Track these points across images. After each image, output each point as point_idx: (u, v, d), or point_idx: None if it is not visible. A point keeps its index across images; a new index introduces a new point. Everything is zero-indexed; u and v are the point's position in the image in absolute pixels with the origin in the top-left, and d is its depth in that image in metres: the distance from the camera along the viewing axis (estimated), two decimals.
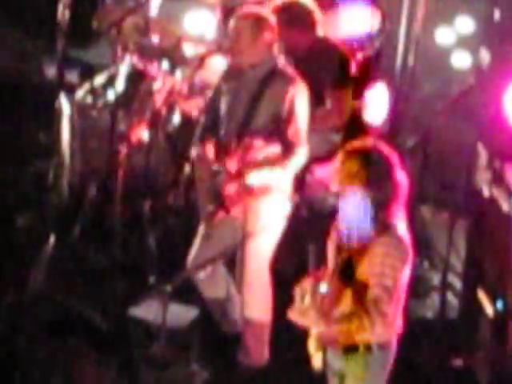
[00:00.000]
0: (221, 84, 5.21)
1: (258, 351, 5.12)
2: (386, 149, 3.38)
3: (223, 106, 5.10)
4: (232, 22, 5.05)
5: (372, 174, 3.21)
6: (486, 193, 5.00)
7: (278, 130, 4.85)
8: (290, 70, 4.95)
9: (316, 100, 5.13)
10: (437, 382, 5.19)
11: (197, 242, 5.00)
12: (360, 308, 3.10)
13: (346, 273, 3.28)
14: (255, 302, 5.04)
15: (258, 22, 4.93)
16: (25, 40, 7.25)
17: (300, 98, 4.84)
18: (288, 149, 4.79)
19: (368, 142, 3.89)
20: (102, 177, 6.15)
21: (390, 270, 3.14)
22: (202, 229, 5.02)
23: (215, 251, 4.75)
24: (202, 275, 4.93)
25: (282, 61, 5.03)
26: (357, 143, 3.63)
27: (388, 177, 3.24)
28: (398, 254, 3.16)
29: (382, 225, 3.19)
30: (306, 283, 3.33)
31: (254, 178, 4.73)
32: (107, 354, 4.94)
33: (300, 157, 4.82)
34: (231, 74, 5.18)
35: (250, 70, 5.00)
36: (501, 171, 4.70)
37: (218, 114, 5.16)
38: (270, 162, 4.85)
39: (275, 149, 4.84)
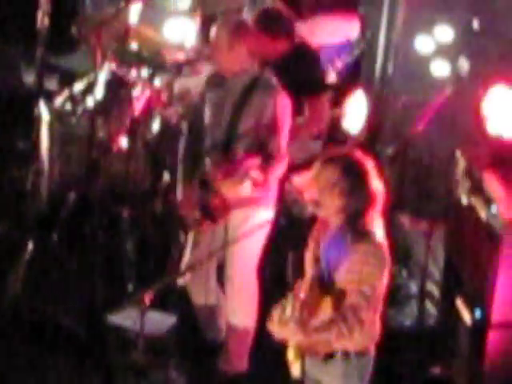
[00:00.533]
0: (205, 92, 5.18)
1: (239, 357, 5.10)
2: (363, 157, 3.40)
3: (207, 115, 5.05)
4: (213, 30, 4.97)
5: (349, 182, 3.19)
6: (464, 202, 4.99)
7: (259, 140, 4.79)
8: (273, 80, 4.85)
9: (295, 108, 4.95)
10: None
11: (187, 251, 5.02)
12: (338, 315, 3.09)
13: (324, 284, 3.28)
14: (240, 309, 5.02)
15: (238, 30, 4.85)
16: (4, 47, 7.27)
17: (282, 108, 4.77)
18: (267, 160, 4.73)
19: (345, 150, 3.89)
20: (81, 183, 5.97)
21: (368, 277, 3.12)
22: (190, 237, 5.05)
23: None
24: (192, 282, 5.03)
25: (265, 70, 4.95)
26: (334, 151, 3.61)
27: (365, 185, 3.22)
28: (376, 261, 3.14)
29: (360, 232, 3.18)
30: (287, 296, 3.33)
31: (234, 190, 4.69)
32: (85, 360, 4.90)
33: (278, 168, 4.81)
34: (215, 82, 5.11)
35: (232, 78, 4.95)
36: (479, 180, 4.71)
37: (202, 122, 5.12)
38: (249, 175, 4.64)
39: (256, 160, 4.77)
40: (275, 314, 3.30)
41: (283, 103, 4.77)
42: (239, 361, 5.14)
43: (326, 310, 3.14)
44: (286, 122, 4.79)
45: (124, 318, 4.75)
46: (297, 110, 5.27)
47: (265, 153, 4.68)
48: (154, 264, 5.74)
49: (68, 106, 6.10)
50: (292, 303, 3.20)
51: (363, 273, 3.12)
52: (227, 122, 4.89)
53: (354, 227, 3.16)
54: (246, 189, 4.61)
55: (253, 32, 5.02)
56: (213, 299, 5.13)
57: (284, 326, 3.24)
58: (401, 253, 5.92)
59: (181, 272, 5.16)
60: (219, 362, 5.13)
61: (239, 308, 4.98)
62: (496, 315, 4.68)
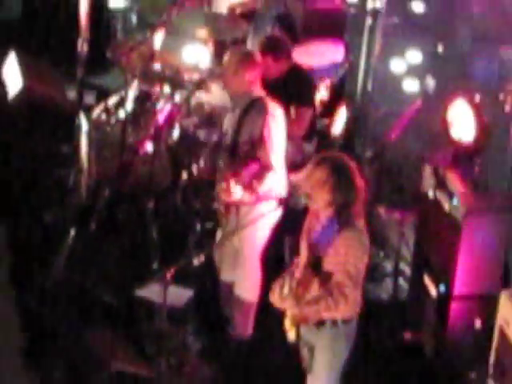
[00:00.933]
0: (230, 104, 5.25)
1: (245, 325, 5.05)
2: (348, 159, 3.33)
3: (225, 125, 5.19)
4: (225, 57, 4.95)
5: (336, 180, 3.15)
6: (430, 195, 4.86)
7: (254, 152, 4.74)
8: (267, 103, 4.76)
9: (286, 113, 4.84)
10: (390, 353, 5.18)
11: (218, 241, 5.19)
12: (325, 292, 3.13)
13: (315, 265, 3.26)
14: (246, 284, 4.98)
15: (243, 59, 4.77)
16: (51, 68, 7.17)
17: (270, 129, 4.65)
18: (262, 170, 4.71)
19: (334, 153, 3.76)
20: (114, 181, 5.85)
21: (352, 259, 3.14)
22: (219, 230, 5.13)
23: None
24: (221, 261, 5.06)
25: (261, 93, 4.87)
26: (324, 154, 3.49)
27: (350, 183, 3.20)
28: (359, 246, 3.18)
29: (346, 222, 3.12)
30: (285, 275, 3.43)
31: (226, 194, 4.71)
32: (118, 327, 4.92)
33: (269, 176, 4.73)
34: (232, 98, 5.12)
35: (236, 98, 4.92)
36: (443, 177, 4.61)
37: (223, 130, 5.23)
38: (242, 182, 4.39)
39: (254, 167, 4.53)
40: (275, 289, 3.37)
41: (273, 124, 4.68)
42: (244, 327, 5.07)
43: (315, 287, 3.18)
44: (275, 139, 4.71)
45: (150, 292, 4.53)
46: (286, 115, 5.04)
47: (259, 163, 4.64)
48: (174, 247, 5.50)
49: (103, 117, 5.94)
50: (289, 281, 3.28)
51: (348, 255, 3.12)
52: (232, 134, 4.88)
53: (341, 218, 3.11)
54: (236, 194, 4.62)
55: (256, 60, 4.91)
56: (237, 278, 5.10)
57: (282, 300, 3.31)
58: (378, 238, 5.82)
59: (196, 254, 4.83)
60: (228, 329, 5.07)
61: (245, 284, 4.93)
62: (457, 289, 4.68)
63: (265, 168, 4.58)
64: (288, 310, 3.39)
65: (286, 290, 3.26)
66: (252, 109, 4.65)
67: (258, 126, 4.54)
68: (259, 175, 4.56)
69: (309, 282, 3.21)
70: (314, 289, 3.21)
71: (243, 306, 4.94)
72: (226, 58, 4.96)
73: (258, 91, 4.67)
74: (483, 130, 4.48)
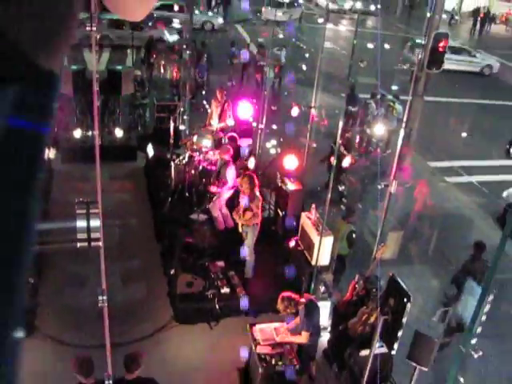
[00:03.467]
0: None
1: (221, 224, 11.30)
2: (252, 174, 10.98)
3: None
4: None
5: (249, 181, 9.75)
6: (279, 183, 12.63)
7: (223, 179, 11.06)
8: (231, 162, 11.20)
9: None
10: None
11: None
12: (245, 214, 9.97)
13: (245, 209, 11.41)
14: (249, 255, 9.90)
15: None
16: None
17: (232, 170, 10.51)
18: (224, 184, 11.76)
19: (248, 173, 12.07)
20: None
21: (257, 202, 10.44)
22: None
23: None
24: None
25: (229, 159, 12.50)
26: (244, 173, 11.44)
27: (253, 182, 9.82)
28: (258, 201, 9.33)
29: (253, 196, 9.82)
30: (238, 210, 11.40)
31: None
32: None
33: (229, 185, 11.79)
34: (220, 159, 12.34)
35: (222, 161, 11.33)
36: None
37: None
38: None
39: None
40: (235, 214, 11.00)
41: (231, 170, 10.60)
42: (221, 224, 11.23)
43: (247, 213, 11.48)
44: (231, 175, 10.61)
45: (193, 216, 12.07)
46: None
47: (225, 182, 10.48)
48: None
49: (179, 163, 12.58)
50: (239, 211, 11.54)
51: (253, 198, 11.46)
52: (218, 171, 11.21)
53: (250, 195, 11.44)
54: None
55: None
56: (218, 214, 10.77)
57: (240, 216, 10.56)
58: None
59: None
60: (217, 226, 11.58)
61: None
62: None
63: (225, 183, 10.59)
64: (241, 221, 9.61)
65: (238, 214, 10.27)
66: (226, 163, 10.77)
67: (226, 170, 10.55)
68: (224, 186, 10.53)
69: (245, 212, 9.70)
70: (246, 214, 9.72)
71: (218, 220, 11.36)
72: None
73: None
74: None
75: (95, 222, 2.75)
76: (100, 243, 2.83)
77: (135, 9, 1.07)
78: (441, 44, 7.91)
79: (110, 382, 3.67)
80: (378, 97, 17.81)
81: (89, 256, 3.42)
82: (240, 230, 9.86)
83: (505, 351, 9.52)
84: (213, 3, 37.23)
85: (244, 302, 9.25)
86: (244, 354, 8.31)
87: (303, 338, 7.80)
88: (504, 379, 8.97)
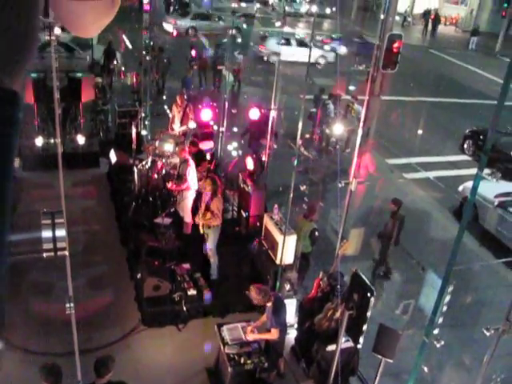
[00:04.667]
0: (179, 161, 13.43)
1: (188, 228, 11.31)
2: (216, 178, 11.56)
3: None
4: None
5: (212, 182, 11.15)
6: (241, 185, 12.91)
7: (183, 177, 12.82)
8: (190, 160, 12.60)
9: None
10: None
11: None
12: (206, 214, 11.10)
13: (207, 207, 11.26)
14: (187, 216, 11.08)
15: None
16: None
17: (192, 169, 11.03)
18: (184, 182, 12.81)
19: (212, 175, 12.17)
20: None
21: (216, 204, 11.06)
22: None
23: None
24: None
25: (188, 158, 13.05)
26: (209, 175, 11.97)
27: (216, 181, 10.96)
28: (218, 201, 10.64)
29: (216, 194, 11.45)
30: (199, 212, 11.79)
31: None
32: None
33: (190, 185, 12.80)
34: (180, 160, 13.30)
35: (181, 160, 12.99)
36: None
37: None
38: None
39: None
40: (197, 216, 11.73)
41: (191, 168, 10.60)
42: (188, 229, 11.72)
43: (208, 214, 11.42)
44: (192, 173, 10.78)
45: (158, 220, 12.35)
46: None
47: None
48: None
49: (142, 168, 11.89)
50: (200, 213, 11.63)
51: (214, 204, 11.38)
52: (179, 170, 11.32)
53: (213, 194, 11.45)
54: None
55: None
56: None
57: (201, 217, 10.14)
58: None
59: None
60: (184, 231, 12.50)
61: (187, 216, 11.28)
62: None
63: (184, 181, 10.74)
64: (201, 221, 9.91)
65: (200, 215, 10.61)
66: (184, 162, 10.98)
67: (186, 168, 10.69)
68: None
69: (206, 212, 10.12)
70: (207, 214, 10.79)
71: (188, 224, 11.08)
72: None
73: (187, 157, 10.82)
74: None
75: (61, 232, 2.72)
76: (66, 252, 2.80)
77: (88, 26, 1.08)
78: (395, 45, 8.03)
79: None
80: (334, 98, 18.03)
81: (54, 263, 3.37)
82: (201, 231, 9.78)
83: (464, 339, 9.69)
84: (171, 8, 37.00)
85: (207, 296, 9.21)
86: (208, 348, 8.30)
87: (274, 334, 7.84)
88: (464, 366, 9.12)
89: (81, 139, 14.41)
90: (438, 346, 6.11)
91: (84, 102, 14.57)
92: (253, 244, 10.55)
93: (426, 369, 7.94)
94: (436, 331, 6.07)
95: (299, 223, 10.19)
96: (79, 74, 14.20)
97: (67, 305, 3.13)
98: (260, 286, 8.02)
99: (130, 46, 24.69)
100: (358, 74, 21.74)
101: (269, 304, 7.88)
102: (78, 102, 14.50)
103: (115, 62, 20.51)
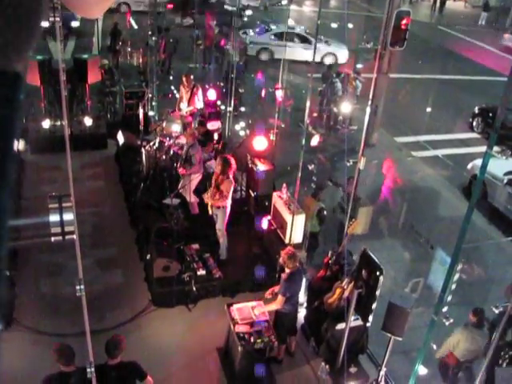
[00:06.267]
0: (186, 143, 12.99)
1: (195, 208, 11.09)
2: (230, 157, 9.55)
3: None
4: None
5: (223, 163, 9.84)
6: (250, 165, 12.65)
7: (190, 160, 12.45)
8: (197, 143, 11.12)
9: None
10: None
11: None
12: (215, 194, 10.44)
13: (217, 185, 11.08)
14: (192, 198, 10.69)
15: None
16: None
17: (198, 151, 11.00)
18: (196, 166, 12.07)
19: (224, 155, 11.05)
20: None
21: (226, 186, 10.06)
22: None
23: None
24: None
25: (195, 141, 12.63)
26: (221, 155, 11.02)
27: (228, 162, 9.44)
28: (228, 183, 9.53)
29: (227, 175, 11.12)
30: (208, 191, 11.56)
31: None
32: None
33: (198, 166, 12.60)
34: (186, 142, 11.63)
35: (188, 143, 10.99)
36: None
37: None
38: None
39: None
40: (206, 195, 11.58)
41: (198, 151, 10.48)
42: (195, 209, 11.58)
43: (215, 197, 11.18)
44: (199, 156, 10.44)
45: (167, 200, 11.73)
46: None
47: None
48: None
49: (149, 148, 11.62)
50: (210, 191, 11.28)
51: (225, 185, 11.34)
52: (186, 151, 10.84)
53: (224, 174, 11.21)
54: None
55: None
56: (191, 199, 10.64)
57: (208, 198, 9.56)
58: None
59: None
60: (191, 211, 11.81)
61: (192, 198, 10.88)
62: None
63: (193, 165, 10.42)
64: (210, 201, 9.55)
65: (209, 194, 10.62)
66: (192, 146, 10.60)
67: (192, 152, 10.47)
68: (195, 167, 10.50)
69: (216, 192, 9.96)
70: (216, 194, 10.37)
71: (193, 204, 11.01)
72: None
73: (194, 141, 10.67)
74: None
75: (68, 216, 2.71)
76: (74, 236, 2.80)
77: (92, 7, 1.08)
78: (403, 22, 7.93)
79: (92, 368, 3.65)
80: (342, 76, 17.95)
81: (64, 245, 3.39)
82: (210, 212, 9.76)
83: None
84: None
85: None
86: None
87: (278, 302, 7.85)
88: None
89: (88, 121, 14.42)
90: (446, 323, 6.10)
91: (91, 83, 14.47)
92: (262, 223, 10.44)
93: (434, 346, 7.94)
94: (445, 309, 6.07)
95: (307, 203, 10.16)
96: (85, 56, 14.09)
97: (77, 287, 3.14)
98: (293, 250, 7.95)
99: (135, 27, 24.49)
100: (365, 52, 21.50)
101: (287, 271, 7.82)
102: (84, 84, 14.47)
103: (121, 43, 20.38)
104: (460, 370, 7.88)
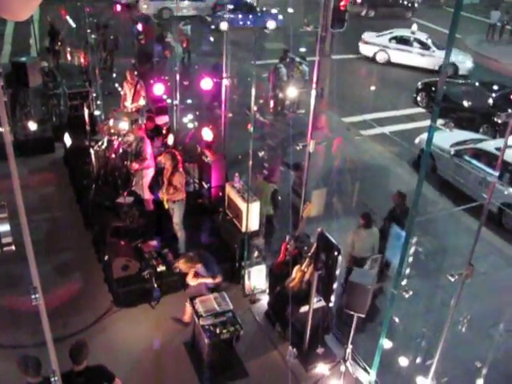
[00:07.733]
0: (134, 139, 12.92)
1: (149, 204, 11.67)
2: (176, 152, 10.48)
3: None
4: None
5: (171, 157, 10.85)
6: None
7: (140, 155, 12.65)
8: (145, 138, 11.95)
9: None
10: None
11: None
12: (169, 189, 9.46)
13: (169, 181, 9.72)
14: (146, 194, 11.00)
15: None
16: None
17: (148, 145, 11.29)
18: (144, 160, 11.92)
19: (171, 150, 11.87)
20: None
21: (177, 177, 10.20)
22: None
23: None
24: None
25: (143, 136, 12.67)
26: (168, 150, 11.50)
27: (175, 157, 10.77)
28: (180, 175, 10.15)
29: (177, 168, 11.14)
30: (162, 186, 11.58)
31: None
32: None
33: (148, 161, 12.51)
34: (134, 138, 12.71)
35: (136, 138, 12.36)
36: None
37: None
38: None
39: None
40: (161, 191, 11.43)
41: (147, 145, 10.37)
42: (149, 205, 12.15)
43: (170, 188, 11.05)
44: (148, 150, 10.38)
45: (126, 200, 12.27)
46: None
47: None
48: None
49: (98, 148, 11.09)
50: (163, 188, 11.31)
51: (176, 177, 11.12)
52: (135, 148, 10.94)
53: (174, 167, 10.92)
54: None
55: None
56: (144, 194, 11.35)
57: (162, 193, 9.77)
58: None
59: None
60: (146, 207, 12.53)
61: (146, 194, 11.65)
62: None
63: (145, 159, 10.52)
64: (165, 196, 9.49)
65: (163, 190, 10.13)
66: (141, 140, 10.67)
67: (142, 146, 10.53)
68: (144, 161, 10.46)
69: (169, 187, 9.55)
70: (170, 189, 9.33)
71: (148, 200, 10.99)
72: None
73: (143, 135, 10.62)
74: None
75: (4, 227, 2.64)
76: (13, 247, 2.73)
77: (19, 10, 1.04)
78: (342, 3, 7.99)
79: (56, 378, 3.56)
80: (287, 60, 17.98)
81: (18, 255, 3.30)
82: (166, 206, 9.72)
83: (431, 287, 9.88)
84: None
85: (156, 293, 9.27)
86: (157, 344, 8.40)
87: (218, 278, 8.73)
88: (434, 313, 9.31)
89: (32, 125, 14.13)
90: (406, 296, 6.21)
91: (31, 87, 14.08)
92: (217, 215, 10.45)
93: (397, 319, 8.09)
94: (404, 282, 6.16)
95: (260, 186, 10.17)
96: (23, 59, 13.72)
97: (32, 296, 3.07)
98: (183, 257, 8.48)
99: (73, 25, 23.95)
100: (306, 35, 21.53)
101: (199, 265, 8.29)
102: (25, 88, 14.07)
103: (60, 43, 19.91)
104: (358, 264, 8.63)
